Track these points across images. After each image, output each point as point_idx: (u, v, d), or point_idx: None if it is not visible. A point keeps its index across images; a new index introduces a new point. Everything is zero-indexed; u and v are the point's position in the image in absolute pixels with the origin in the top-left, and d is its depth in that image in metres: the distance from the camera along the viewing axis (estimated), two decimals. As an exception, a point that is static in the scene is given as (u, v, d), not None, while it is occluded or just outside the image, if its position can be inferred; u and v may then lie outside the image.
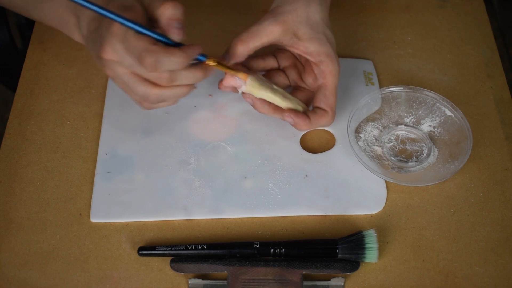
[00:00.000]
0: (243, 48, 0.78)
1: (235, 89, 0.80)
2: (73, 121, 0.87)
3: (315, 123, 0.80)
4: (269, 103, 0.80)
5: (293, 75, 0.84)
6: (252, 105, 0.81)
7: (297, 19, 0.78)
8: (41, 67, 0.92)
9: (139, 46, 0.68)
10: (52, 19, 0.81)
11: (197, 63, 0.73)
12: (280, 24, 0.77)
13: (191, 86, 0.74)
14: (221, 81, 0.80)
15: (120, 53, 0.70)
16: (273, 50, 0.85)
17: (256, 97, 0.80)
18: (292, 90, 0.85)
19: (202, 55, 0.74)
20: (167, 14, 0.70)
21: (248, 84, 0.78)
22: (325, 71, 0.79)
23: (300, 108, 0.81)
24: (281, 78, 0.84)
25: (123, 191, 0.80)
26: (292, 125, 0.81)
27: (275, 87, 0.80)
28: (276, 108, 0.81)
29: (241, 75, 0.78)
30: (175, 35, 0.70)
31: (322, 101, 0.80)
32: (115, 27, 0.69)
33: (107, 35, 0.70)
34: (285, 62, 0.84)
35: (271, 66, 0.85)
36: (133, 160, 0.83)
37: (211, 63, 0.74)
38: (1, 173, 0.82)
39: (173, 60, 0.69)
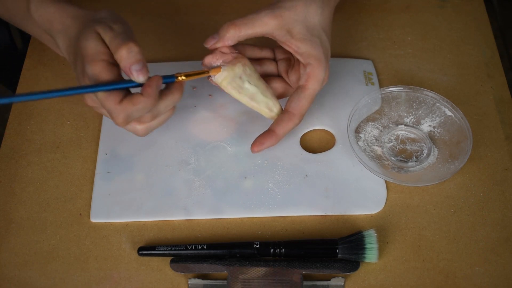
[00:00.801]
0: (234, 33, 0.77)
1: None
2: (73, 121, 0.87)
3: (282, 132, 0.80)
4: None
5: (282, 67, 0.84)
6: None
7: (295, 17, 0.77)
8: (41, 67, 0.92)
9: (107, 107, 0.70)
10: (36, 35, 0.84)
11: (169, 85, 0.73)
12: (276, 18, 0.77)
13: (174, 107, 0.75)
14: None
15: (98, 102, 0.72)
16: (274, 46, 0.85)
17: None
18: (276, 77, 0.84)
19: (169, 76, 0.73)
20: (123, 60, 0.69)
21: (216, 79, 0.78)
22: (309, 74, 0.78)
23: (266, 111, 0.80)
24: (271, 66, 0.84)
25: (123, 191, 0.80)
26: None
27: (247, 86, 0.79)
28: None
29: (214, 72, 0.78)
30: (139, 78, 0.70)
31: (293, 103, 0.79)
32: (85, 80, 0.71)
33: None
34: (280, 56, 0.85)
35: (267, 57, 0.85)
36: (133, 160, 0.83)
37: (182, 78, 0.73)
38: (1, 173, 0.82)
39: (141, 108, 0.70)
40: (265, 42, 0.84)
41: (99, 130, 0.85)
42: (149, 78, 0.70)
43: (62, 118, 0.87)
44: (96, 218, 0.78)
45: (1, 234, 0.77)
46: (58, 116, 0.87)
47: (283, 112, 0.80)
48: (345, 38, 0.95)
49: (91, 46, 0.70)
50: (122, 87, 0.70)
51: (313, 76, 0.78)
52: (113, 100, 0.69)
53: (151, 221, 0.78)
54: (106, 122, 0.86)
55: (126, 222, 0.78)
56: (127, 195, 0.80)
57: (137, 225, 0.78)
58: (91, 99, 0.74)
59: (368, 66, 0.92)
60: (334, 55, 0.88)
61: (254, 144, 0.80)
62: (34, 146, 0.85)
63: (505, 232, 0.77)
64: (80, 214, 0.79)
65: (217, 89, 0.83)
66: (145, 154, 0.83)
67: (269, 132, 0.80)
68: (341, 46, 0.93)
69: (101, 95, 0.70)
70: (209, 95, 0.88)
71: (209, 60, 0.79)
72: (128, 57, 0.69)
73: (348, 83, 0.90)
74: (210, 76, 0.79)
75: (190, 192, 0.80)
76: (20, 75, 0.92)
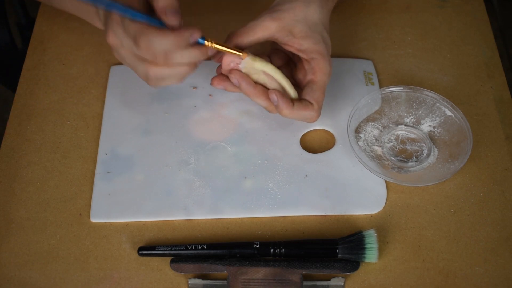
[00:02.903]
0: (238, 42, 0.79)
1: (227, 85, 0.80)
2: (73, 121, 0.87)
3: (297, 112, 0.79)
4: (254, 86, 0.79)
5: (284, 73, 0.84)
6: (237, 85, 0.80)
7: (295, 18, 0.78)
8: (41, 67, 0.92)
9: (134, 29, 0.71)
10: (73, 9, 0.85)
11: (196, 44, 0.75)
12: (276, 21, 0.78)
13: (192, 65, 0.74)
14: (215, 77, 0.80)
15: (120, 36, 0.72)
16: (268, 51, 0.85)
17: (241, 78, 0.78)
18: None
19: (201, 37, 0.75)
20: (160, 4, 0.72)
21: (248, 60, 0.78)
22: (315, 68, 0.79)
23: (291, 92, 0.80)
24: None
25: (123, 191, 0.80)
26: (274, 106, 0.79)
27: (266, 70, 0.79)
28: (261, 91, 0.79)
29: (240, 53, 0.78)
30: (171, 21, 0.71)
31: (308, 94, 0.79)
32: (114, 13, 0.72)
33: (110, 21, 0.73)
34: (278, 62, 0.84)
35: None
36: (133, 160, 0.83)
37: (208, 43, 0.75)
38: (1, 173, 0.82)
39: (165, 41, 0.70)
40: (260, 47, 0.84)
41: (99, 130, 0.85)
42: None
43: (62, 118, 0.87)
44: (96, 218, 0.78)
45: (1, 234, 0.77)
46: (58, 116, 0.87)
47: (300, 100, 0.80)
48: (345, 38, 0.95)
49: None
50: (148, 21, 0.71)
51: (319, 69, 0.79)
52: (141, 24, 0.70)
53: (151, 221, 0.78)
54: (106, 122, 0.86)
55: (126, 222, 0.78)
56: (127, 195, 0.80)
57: (137, 225, 0.78)
58: (114, 34, 0.73)
59: (368, 66, 0.92)
60: (334, 55, 0.88)
61: (277, 90, 0.79)
62: (34, 146, 0.85)
63: (505, 232, 0.77)
64: (80, 214, 0.79)
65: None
66: (145, 154, 0.83)
67: (290, 101, 0.79)
68: (341, 46, 0.93)
69: (130, 19, 0.71)
70: (209, 95, 0.88)
71: (230, 59, 0.78)
72: (165, 2, 0.71)
73: (348, 83, 0.90)
74: (241, 66, 0.79)
75: (190, 192, 0.80)
76: (20, 75, 0.92)
